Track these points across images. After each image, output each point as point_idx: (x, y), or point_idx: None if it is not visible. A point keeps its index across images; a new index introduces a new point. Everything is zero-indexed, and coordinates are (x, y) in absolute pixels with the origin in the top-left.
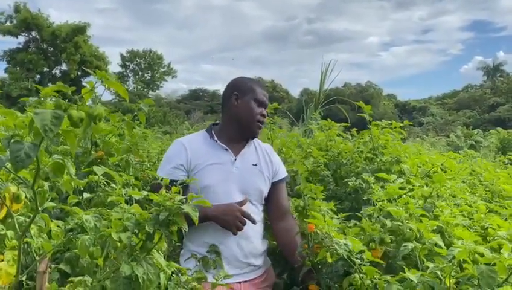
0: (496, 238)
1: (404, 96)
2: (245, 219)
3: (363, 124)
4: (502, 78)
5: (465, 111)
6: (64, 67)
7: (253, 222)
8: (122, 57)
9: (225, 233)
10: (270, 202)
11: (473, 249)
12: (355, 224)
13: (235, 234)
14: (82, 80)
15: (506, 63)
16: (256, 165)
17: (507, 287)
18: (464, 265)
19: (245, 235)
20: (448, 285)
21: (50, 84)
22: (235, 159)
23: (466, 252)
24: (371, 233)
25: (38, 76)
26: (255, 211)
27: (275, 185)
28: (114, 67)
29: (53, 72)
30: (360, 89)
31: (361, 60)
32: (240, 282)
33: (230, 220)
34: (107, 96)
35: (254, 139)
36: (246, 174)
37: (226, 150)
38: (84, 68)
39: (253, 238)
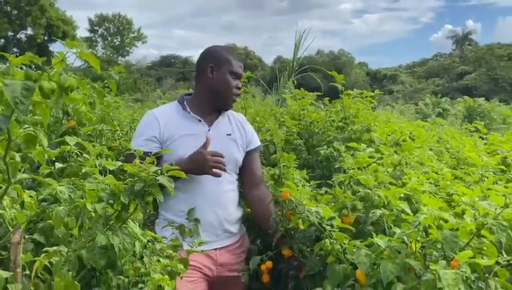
0: (460, 204)
1: (375, 64)
2: (218, 158)
3: (336, 92)
4: (470, 47)
5: (434, 79)
6: (29, 31)
7: (221, 156)
8: (90, 22)
9: (200, 200)
10: (244, 171)
11: (437, 215)
12: (326, 191)
13: (218, 176)
14: (49, 45)
15: (474, 32)
16: (230, 134)
17: (468, 251)
18: (429, 230)
19: (220, 203)
20: (414, 249)
21: (15, 49)
22: (209, 130)
23: (431, 218)
24: (343, 200)
25: (2, 40)
26: (230, 179)
27: (248, 154)
28: (82, 32)
29: (18, 36)
30: (333, 57)
31: (334, 27)
32: (215, 249)
33: (202, 165)
34: (76, 62)
35: (228, 110)
36: (219, 144)
37: (200, 120)
38: (51, 34)
39: (228, 205)
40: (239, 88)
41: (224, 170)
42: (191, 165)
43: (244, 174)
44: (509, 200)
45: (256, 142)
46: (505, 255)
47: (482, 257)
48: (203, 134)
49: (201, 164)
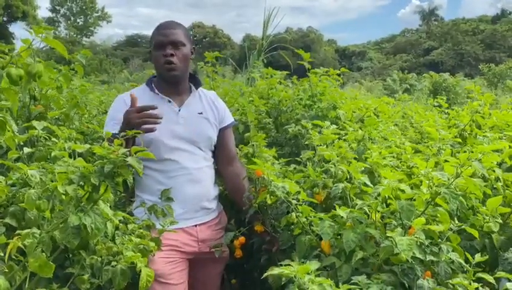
0: (419, 175)
1: (344, 41)
2: (145, 113)
3: (305, 70)
4: (436, 23)
5: (401, 55)
6: None
7: (154, 107)
8: (52, 1)
9: (177, 178)
10: (218, 148)
11: (395, 187)
12: (295, 168)
13: (151, 130)
14: (8, 26)
15: (441, 7)
16: (201, 113)
17: (422, 219)
18: (388, 201)
19: (197, 179)
20: (375, 219)
21: None
22: (179, 110)
23: (389, 189)
24: (314, 179)
25: None
26: (206, 156)
27: (222, 131)
28: (43, 12)
29: None
30: (302, 34)
31: (302, 3)
32: (195, 225)
33: (130, 123)
34: (39, 43)
35: (199, 89)
36: (192, 124)
37: (169, 101)
38: (10, 14)
39: (205, 181)
40: (166, 55)
41: (157, 123)
42: (124, 127)
43: (219, 150)
44: (460, 171)
45: (229, 118)
46: (457, 222)
47: (436, 224)
48: (173, 115)
49: (129, 122)
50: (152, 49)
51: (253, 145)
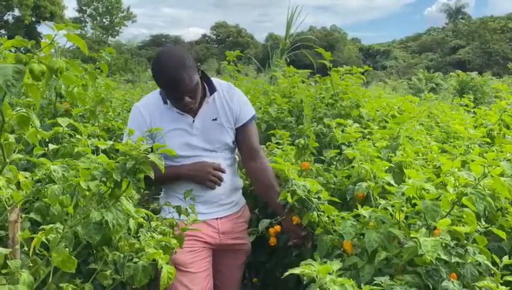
0: (447, 175)
1: (368, 40)
2: (219, 173)
3: (328, 69)
4: (463, 21)
5: (427, 54)
6: (16, 12)
7: (223, 171)
8: (79, 1)
9: None
10: (240, 145)
11: (419, 186)
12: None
13: (212, 188)
14: (36, 26)
15: (467, 6)
16: (215, 119)
17: (447, 219)
18: (413, 201)
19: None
20: (398, 219)
21: (2, 31)
22: (193, 121)
23: (413, 189)
24: (359, 176)
25: None
26: (225, 156)
27: (240, 129)
28: (70, 12)
29: (5, 18)
30: (325, 33)
31: (325, 2)
32: (217, 218)
33: (201, 175)
34: (65, 43)
35: (214, 83)
36: (206, 132)
37: (182, 114)
38: (38, 15)
39: (226, 180)
40: (186, 105)
41: (219, 185)
42: (191, 173)
43: (241, 147)
44: (488, 170)
45: (246, 115)
46: (483, 223)
47: (463, 225)
48: (187, 127)
49: (200, 172)
50: (164, 95)
51: (304, 137)
